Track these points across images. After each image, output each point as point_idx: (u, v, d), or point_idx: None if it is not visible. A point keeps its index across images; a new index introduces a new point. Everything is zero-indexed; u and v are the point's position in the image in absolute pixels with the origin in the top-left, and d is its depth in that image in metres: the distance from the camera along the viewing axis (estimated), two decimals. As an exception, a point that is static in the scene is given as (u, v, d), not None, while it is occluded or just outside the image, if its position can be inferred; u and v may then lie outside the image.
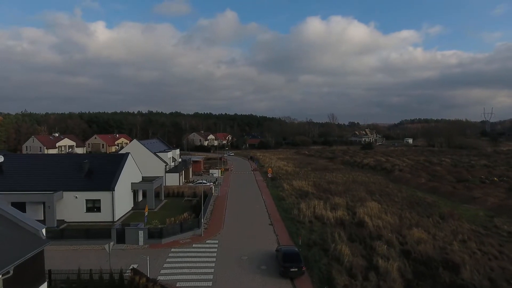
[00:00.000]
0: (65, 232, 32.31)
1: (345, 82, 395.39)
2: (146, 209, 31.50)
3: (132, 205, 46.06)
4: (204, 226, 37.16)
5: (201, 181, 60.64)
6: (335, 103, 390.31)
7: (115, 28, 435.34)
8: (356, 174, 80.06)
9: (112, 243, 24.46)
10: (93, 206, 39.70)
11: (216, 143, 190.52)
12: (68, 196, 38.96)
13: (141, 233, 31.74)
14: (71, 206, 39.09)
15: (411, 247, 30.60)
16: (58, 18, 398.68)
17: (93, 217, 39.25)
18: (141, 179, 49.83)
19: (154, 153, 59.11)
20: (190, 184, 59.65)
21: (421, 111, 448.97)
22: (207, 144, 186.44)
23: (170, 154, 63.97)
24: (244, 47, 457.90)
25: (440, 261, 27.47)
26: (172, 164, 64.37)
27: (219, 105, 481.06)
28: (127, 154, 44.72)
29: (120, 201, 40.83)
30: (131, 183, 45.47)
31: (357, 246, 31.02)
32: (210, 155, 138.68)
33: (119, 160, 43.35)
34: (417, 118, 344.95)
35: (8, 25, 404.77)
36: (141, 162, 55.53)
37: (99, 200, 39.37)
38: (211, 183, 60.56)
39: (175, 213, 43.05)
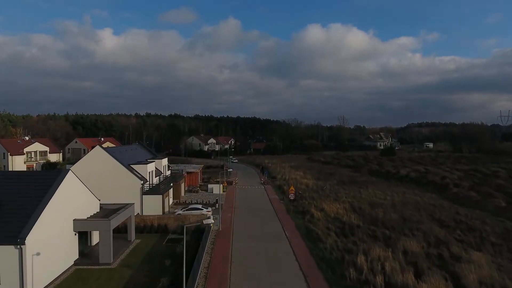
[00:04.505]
0: None
1: (346, 86, 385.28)
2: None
3: (77, 257, 27.85)
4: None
5: (193, 207, 42.50)
6: (337, 107, 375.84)
7: (122, 35, 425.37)
8: (399, 189, 61.52)
9: None
10: (-12, 273, 21.60)
11: (217, 147, 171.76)
12: None
13: None
14: None
15: None
16: (68, 25, 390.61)
17: (-14, 293, 21.27)
18: (97, 210, 31.72)
19: (126, 166, 40.69)
20: (179, 212, 41.29)
21: (422, 115, 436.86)
22: (207, 149, 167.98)
23: (151, 167, 45.45)
24: (246, 53, 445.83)
25: None
26: (155, 180, 46.04)
27: (220, 108, 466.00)
28: (63, 173, 26.43)
29: (43, 259, 22.66)
30: (74, 220, 27.31)
31: None
32: (211, 161, 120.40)
33: (47, 183, 25.09)
34: (425, 122, 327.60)
35: (19, 31, 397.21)
36: (105, 180, 37.90)
37: (-2, 262, 21.31)
38: (209, 209, 42.21)
39: (146, 273, 25.11)
